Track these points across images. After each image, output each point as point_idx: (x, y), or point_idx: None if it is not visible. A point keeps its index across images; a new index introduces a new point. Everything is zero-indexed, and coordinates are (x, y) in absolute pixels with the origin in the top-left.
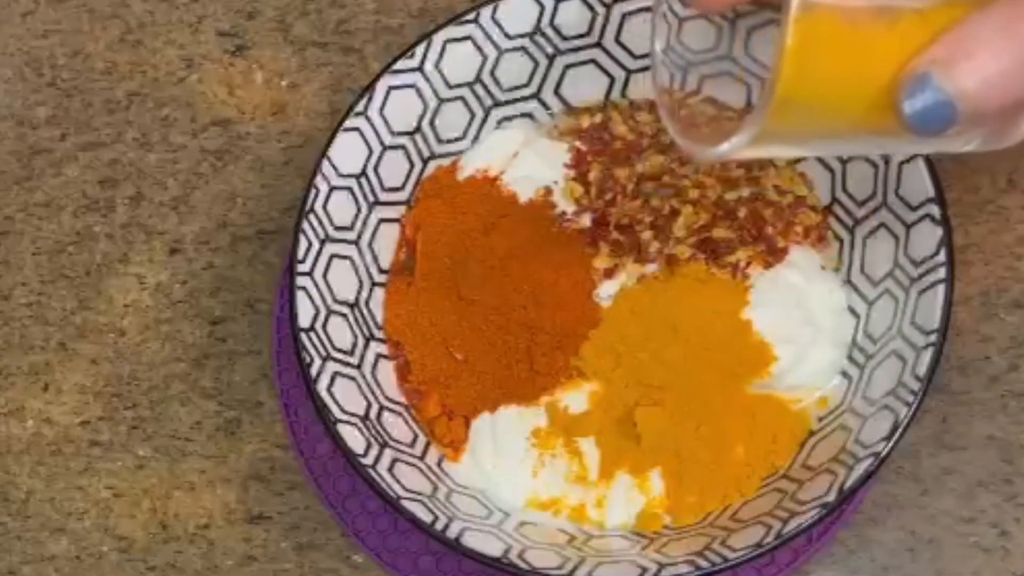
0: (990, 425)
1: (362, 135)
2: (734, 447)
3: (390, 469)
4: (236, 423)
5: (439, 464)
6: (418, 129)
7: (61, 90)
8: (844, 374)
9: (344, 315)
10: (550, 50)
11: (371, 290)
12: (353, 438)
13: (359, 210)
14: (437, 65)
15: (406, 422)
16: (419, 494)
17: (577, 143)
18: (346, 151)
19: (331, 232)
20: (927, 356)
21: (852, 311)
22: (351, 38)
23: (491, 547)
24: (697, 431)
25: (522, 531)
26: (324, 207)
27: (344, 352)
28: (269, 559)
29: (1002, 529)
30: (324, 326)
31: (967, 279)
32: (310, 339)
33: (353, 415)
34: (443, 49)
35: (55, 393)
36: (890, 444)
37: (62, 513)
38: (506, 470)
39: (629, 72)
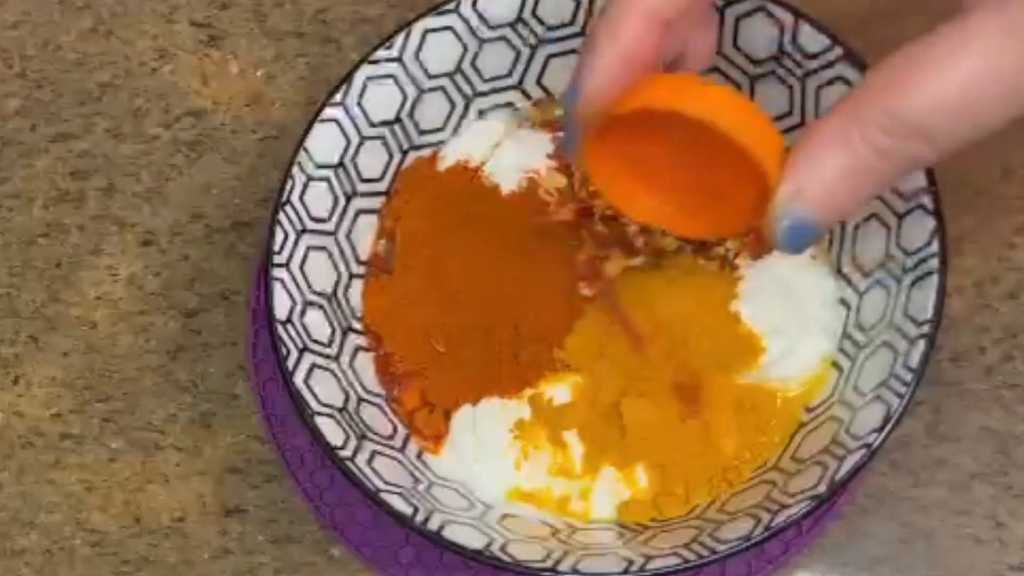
0: (984, 416)
1: (340, 126)
2: (722, 439)
3: (369, 462)
4: (211, 415)
5: (419, 456)
6: (397, 120)
7: (31, 81)
8: (835, 365)
9: (322, 307)
10: (532, 40)
11: (349, 281)
12: (331, 430)
13: (336, 201)
14: (416, 55)
15: (385, 414)
16: (399, 487)
17: (560, 133)
18: (323, 142)
19: (308, 223)
20: (920, 347)
21: (843, 302)
22: (328, 28)
23: (473, 540)
24: (684, 423)
25: (505, 524)
26: (301, 198)
27: (321, 344)
28: (245, 552)
29: (997, 521)
30: (301, 318)
31: (961, 269)
32: (287, 331)
33: (331, 407)
34: (423, 39)
35: (25, 386)
36: (882, 436)
37: (32, 506)
38: (488, 462)
39: None
